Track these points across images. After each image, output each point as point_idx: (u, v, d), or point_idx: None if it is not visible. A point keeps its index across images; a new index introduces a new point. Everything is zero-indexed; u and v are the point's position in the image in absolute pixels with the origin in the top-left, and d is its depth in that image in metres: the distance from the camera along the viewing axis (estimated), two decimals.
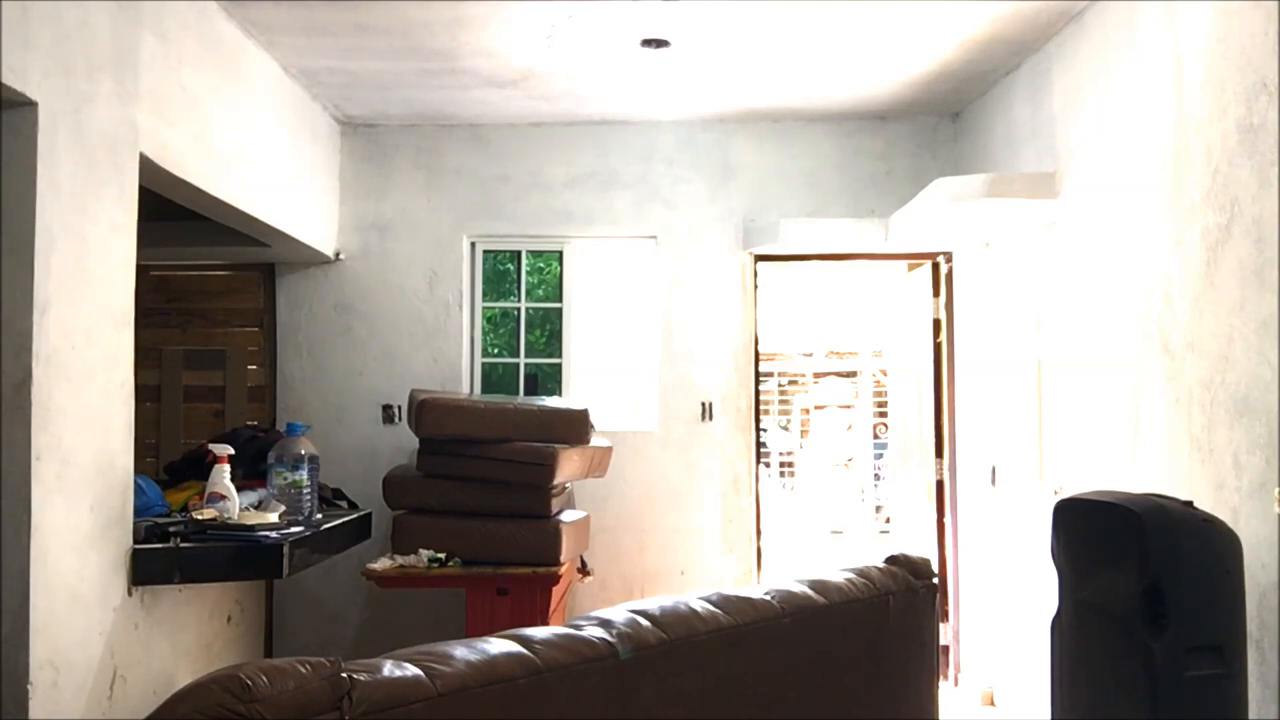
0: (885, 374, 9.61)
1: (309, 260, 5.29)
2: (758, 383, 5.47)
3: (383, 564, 4.23)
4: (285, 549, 3.26)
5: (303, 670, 1.88)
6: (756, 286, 5.46)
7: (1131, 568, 2.52)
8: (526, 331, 5.66)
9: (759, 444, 5.52)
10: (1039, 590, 3.74)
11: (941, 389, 5.33)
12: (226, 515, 3.35)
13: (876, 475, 11.35)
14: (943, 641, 4.96)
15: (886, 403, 8.11)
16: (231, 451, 3.51)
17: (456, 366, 5.37)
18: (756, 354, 5.45)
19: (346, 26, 4.08)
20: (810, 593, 2.81)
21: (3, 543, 2.61)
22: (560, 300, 5.55)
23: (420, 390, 4.73)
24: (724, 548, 5.31)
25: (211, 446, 3.55)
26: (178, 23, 3.54)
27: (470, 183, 5.44)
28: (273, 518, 3.41)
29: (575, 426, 4.44)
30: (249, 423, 5.09)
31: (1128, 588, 2.53)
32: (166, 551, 3.18)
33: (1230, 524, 2.65)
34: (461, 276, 5.41)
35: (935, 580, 3.13)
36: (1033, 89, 4.35)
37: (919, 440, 5.60)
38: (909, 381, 5.83)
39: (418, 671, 2.04)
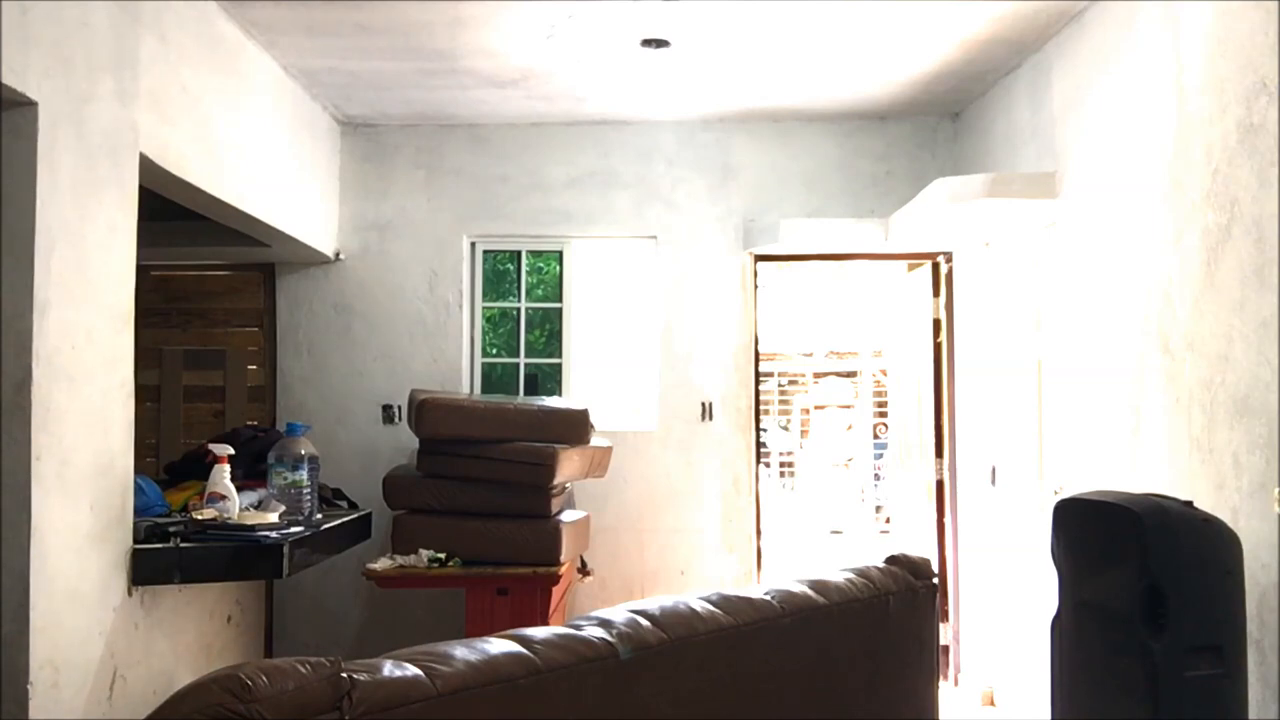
0: (885, 374, 9.61)
1: (309, 260, 5.29)
2: (758, 383, 5.47)
3: (383, 564, 4.23)
4: (285, 549, 3.26)
5: (303, 670, 1.88)
6: (756, 286, 5.46)
7: (1131, 568, 2.52)
8: (526, 331, 5.66)
9: (759, 444, 5.52)
10: (1039, 590, 3.74)
11: (941, 389, 5.33)
12: (226, 515, 3.35)
13: (876, 475, 11.36)
14: (943, 641, 4.96)
15: (886, 403, 8.11)
16: (231, 451, 3.51)
17: (456, 366, 5.37)
18: (756, 354, 5.45)
19: (346, 26, 4.08)
20: (810, 593, 2.81)
21: (3, 543, 2.61)
22: (560, 300, 5.55)
23: (420, 390, 4.73)
24: (724, 548, 5.31)
25: (211, 446, 3.55)
26: (178, 23, 3.54)
27: (470, 183, 5.44)
28: (273, 518, 3.40)
29: (575, 426, 4.44)
30: (249, 423, 5.09)
31: (1128, 588, 2.53)
32: (166, 551, 3.18)
33: (1230, 524, 2.65)
34: (461, 276, 5.41)
35: (935, 580, 3.13)
36: (1033, 89, 4.35)
37: (919, 440, 5.60)
38: (909, 381, 5.82)
39: (418, 671, 2.04)
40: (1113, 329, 3.58)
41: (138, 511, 3.23)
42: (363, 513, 4.27)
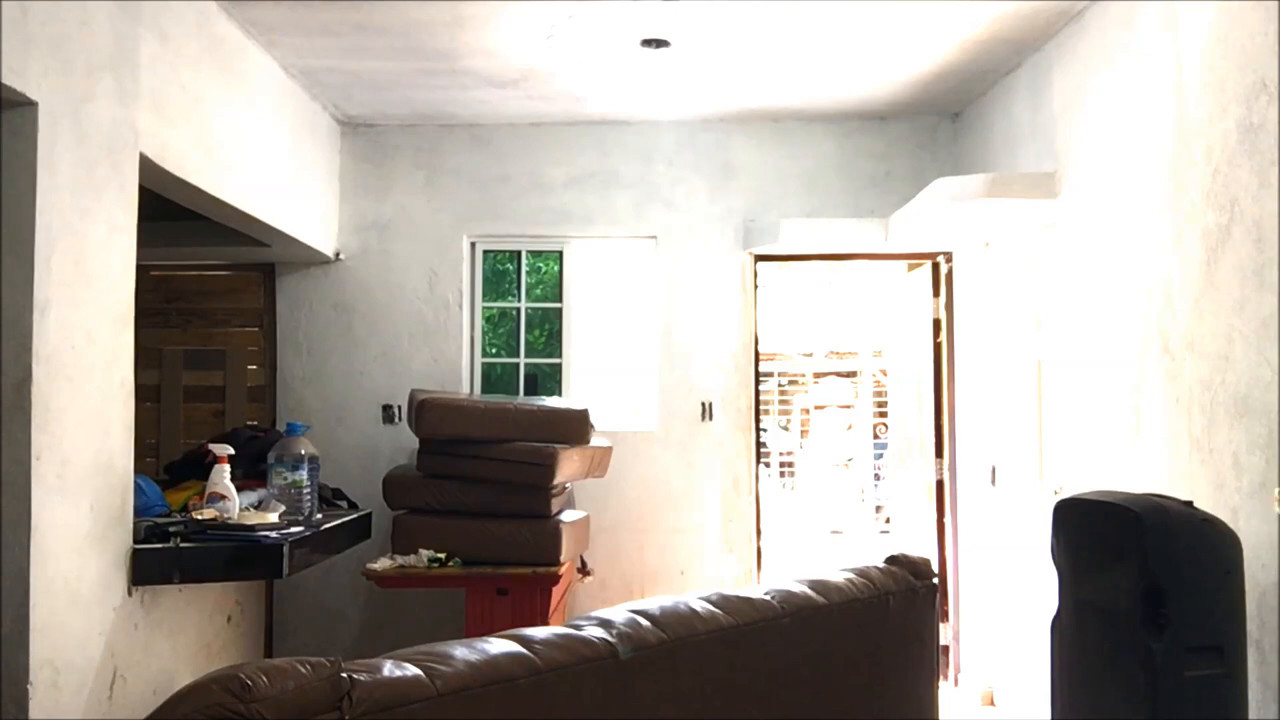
0: (885, 374, 9.61)
1: (309, 260, 5.29)
2: (758, 383, 5.47)
3: (383, 564, 4.23)
4: (285, 549, 3.26)
5: (303, 670, 1.88)
6: (756, 286, 5.46)
7: (1131, 568, 2.52)
8: (526, 331, 5.66)
9: (759, 444, 5.52)
10: (1039, 590, 3.74)
11: (941, 389, 5.33)
12: (226, 515, 3.35)
13: (876, 475, 11.35)
14: (943, 641, 4.96)
15: (886, 403, 8.11)
16: (231, 451, 3.51)
17: (456, 366, 5.37)
18: (756, 354, 5.45)
19: (346, 26, 4.08)
20: (810, 593, 2.81)
21: (3, 543, 2.61)
22: (560, 300, 5.55)
23: (420, 390, 4.73)
24: (724, 548, 5.31)
25: (211, 446, 3.55)
26: (178, 23, 3.54)
27: (470, 183, 5.44)
28: (273, 518, 3.41)
29: (575, 426, 4.44)
30: (249, 423, 5.10)
31: (1127, 587, 2.53)
32: (166, 551, 3.18)
33: (1230, 524, 2.65)
34: (461, 276, 5.41)
35: (935, 580, 3.13)
36: (1033, 89, 4.35)
37: (919, 440, 5.60)
38: (909, 381, 5.82)
39: (418, 671, 2.04)
40: (1113, 329, 3.58)
41: (138, 511, 3.23)
42: (363, 513, 4.27)
